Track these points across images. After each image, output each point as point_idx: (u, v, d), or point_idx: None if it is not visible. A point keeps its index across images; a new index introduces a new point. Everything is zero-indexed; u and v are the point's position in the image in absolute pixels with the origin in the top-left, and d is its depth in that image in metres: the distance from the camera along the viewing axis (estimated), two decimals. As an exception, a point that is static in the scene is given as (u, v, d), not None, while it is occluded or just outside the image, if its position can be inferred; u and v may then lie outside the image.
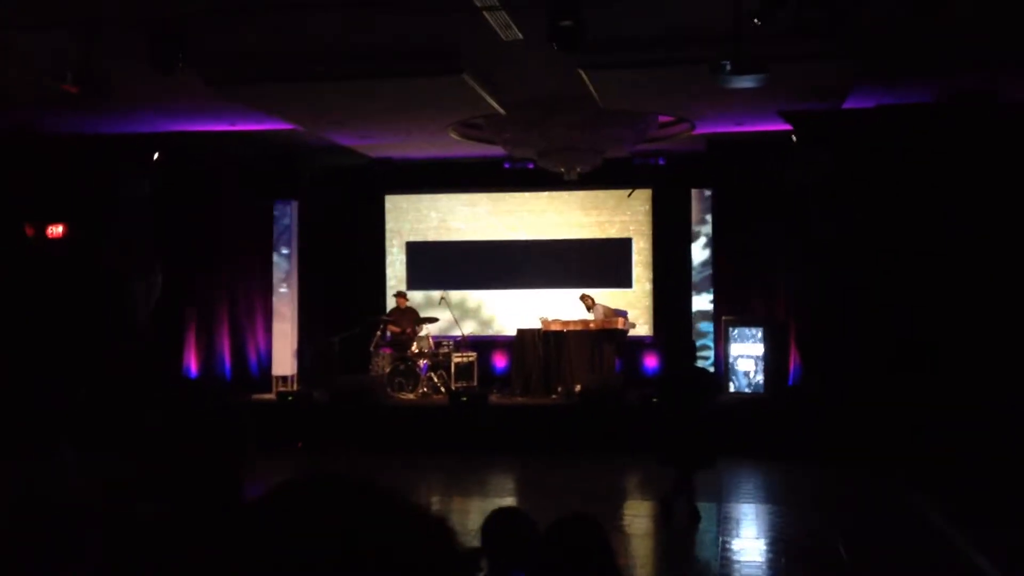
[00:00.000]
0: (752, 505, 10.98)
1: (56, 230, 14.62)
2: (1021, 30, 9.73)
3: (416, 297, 16.72)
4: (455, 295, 16.90)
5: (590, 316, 15.23)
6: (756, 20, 7.98)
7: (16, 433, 11.79)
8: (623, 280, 16.77)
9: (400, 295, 16.10)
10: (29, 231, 14.44)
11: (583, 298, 15.46)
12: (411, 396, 14.99)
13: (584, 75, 10.68)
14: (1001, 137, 12.38)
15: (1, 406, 12.72)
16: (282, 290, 16.30)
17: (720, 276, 15.33)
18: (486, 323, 17.14)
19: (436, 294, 16.58)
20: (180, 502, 2.30)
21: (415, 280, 17.30)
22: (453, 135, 13.96)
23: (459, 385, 15.13)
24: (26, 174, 14.25)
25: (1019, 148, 12.41)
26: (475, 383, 15.45)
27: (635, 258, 16.81)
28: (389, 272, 17.46)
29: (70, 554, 1.94)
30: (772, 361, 14.22)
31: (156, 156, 14.61)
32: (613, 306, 15.61)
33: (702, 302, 15.59)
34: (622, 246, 16.83)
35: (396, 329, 15.62)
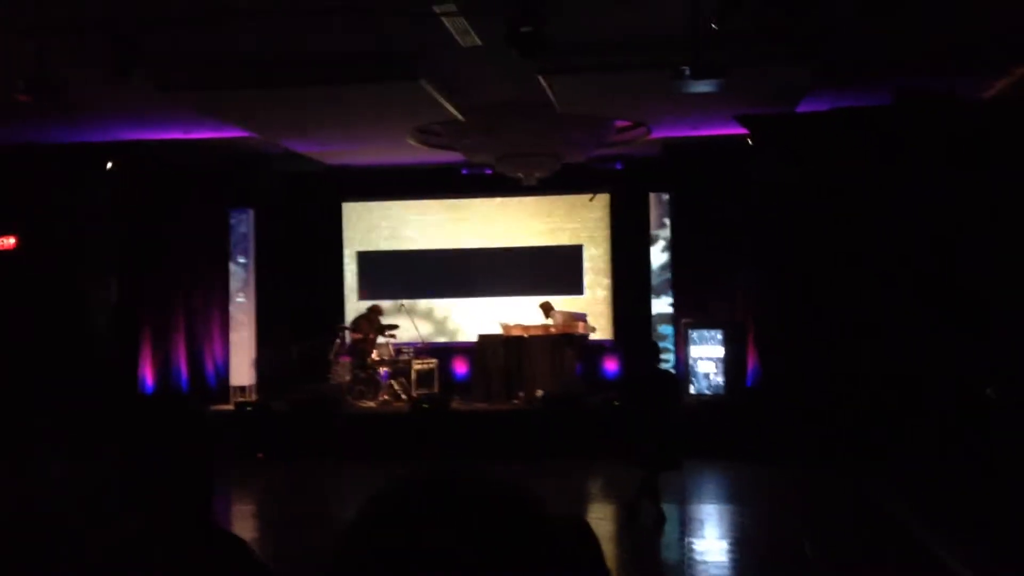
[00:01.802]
0: (716, 506, 11.05)
1: (8, 242, 14.38)
2: (974, 29, 9.87)
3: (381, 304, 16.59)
4: (412, 303, 16.85)
5: (550, 322, 15.27)
6: (713, 25, 8.05)
7: None
8: (574, 287, 16.81)
9: (377, 310, 15.96)
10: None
11: (542, 305, 15.52)
12: (372, 404, 14.90)
13: (543, 80, 10.69)
14: (957, 137, 12.52)
15: None
16: (239, 299, 16.12)
17: (679, 279, 15.37)
18: (446, 329, 17.11)
19: (395, 302, 16.54)
20: (155, 514, 2.26)
21: (367, 289, 17.21)
22: (411, 141, 13.92)
23: (420, 392, 15.07)
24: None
25: (975, 147, 12.55)
26: (436, 390, 15.40)
27: (587, 264, 16.87)
28: (347, 280, 17.37)
29: (62, 561, 1.91)
30: (732, 362, 14.30)
31: (110, 165, 14.42)
32: (571, 311, 15.65)
33: (661, 305, 15.66)
34: (573, 253, 16.88)
35: (358, 336, 15.51)
